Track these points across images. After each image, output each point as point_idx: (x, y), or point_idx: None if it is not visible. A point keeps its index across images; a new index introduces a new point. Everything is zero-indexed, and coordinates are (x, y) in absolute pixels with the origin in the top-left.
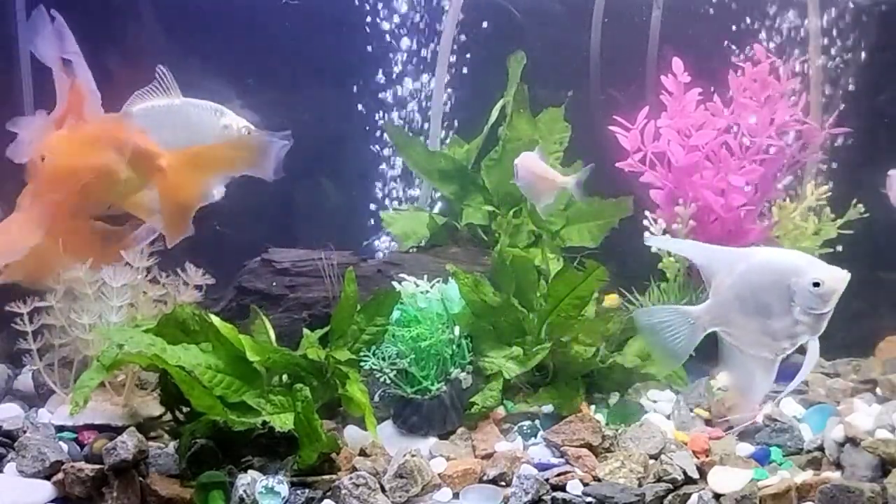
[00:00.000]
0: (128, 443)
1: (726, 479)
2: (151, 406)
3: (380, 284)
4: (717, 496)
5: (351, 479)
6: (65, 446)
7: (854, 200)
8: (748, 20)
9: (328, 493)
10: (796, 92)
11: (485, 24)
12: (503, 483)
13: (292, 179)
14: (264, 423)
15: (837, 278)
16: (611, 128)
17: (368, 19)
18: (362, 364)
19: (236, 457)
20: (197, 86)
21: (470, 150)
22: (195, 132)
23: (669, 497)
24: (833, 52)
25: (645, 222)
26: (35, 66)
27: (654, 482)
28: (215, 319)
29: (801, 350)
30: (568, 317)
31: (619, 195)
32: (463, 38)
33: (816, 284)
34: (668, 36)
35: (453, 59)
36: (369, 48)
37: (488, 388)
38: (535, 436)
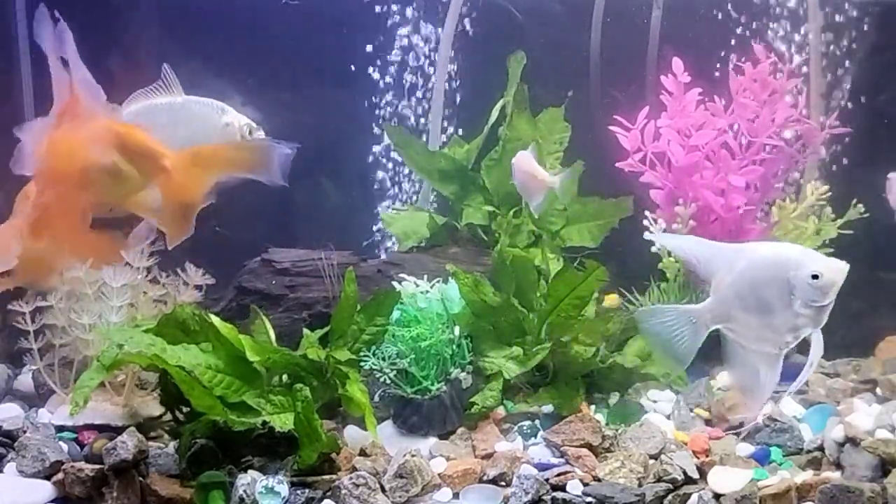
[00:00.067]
0: (128, 443)
1: (726, 479)
2: (151, 406)
3: (380, 284)
4: (717, 496)
5: (351, 479)
6: (65, 446)
7: (854, 200)
8: (748, 20)
9: (328, 493)
10: (797, 92)
11: (485, 25)
12: (503, 483)
13: (292, 179)
14: (264, 423)
15: (836, 270)
16: (611, 128)
17: (368, 19)
18: (362, 364)
19: (236, 457)
20: (198, 85)
21: (470, 150)
22: (196, 130)
23: (669, 497)
24: (833, 52)
25: (645, 222)
26: (35, 67)
27: (654, 482)
28: (215, 319)
29: (804, 348)
30: (568, 317)
31: (619, 195)
32: (463, 38)
33: (815, 277)
34: (668, 36)
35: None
36: (369, 48)
37: (488, 388)
38: (535, 436)
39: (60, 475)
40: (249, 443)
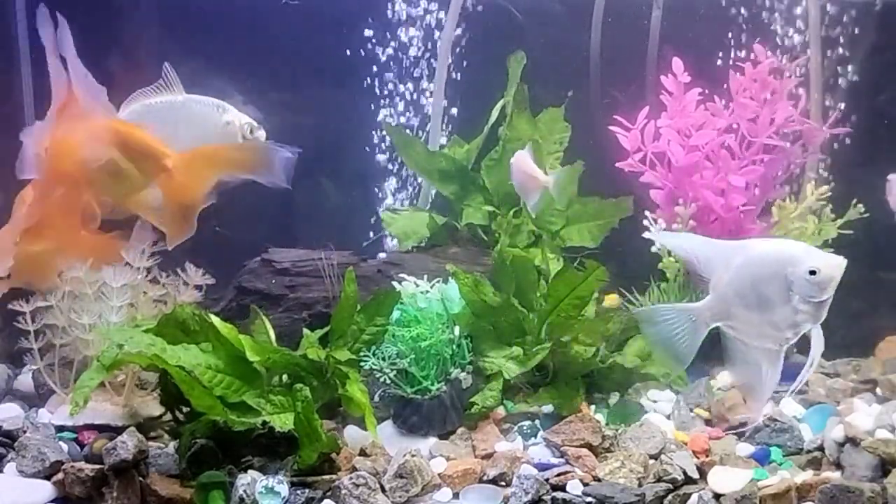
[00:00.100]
0: (128, 443)
1: (726, 479)
2: (151, 406)
3: (380, 284)
4: (717, 496)
5: (351, 479)
6: (65, 446)
7: (854, 200)
8: (748, 20)
9: (328, 493)
10: (796, 92)
11: (485, 25)
12: (503, 483)
13: (293, 179)
14: (264, 423)
15: (833, 265)
16: (611, 128)
17: (368, 19)
18: (362, 364)
19: (236, 457)
20: (199, 84)
21: (470, 150)
22: (197, 128)
23: (669, 497)
24: (833, 52)
25: (645, 222)
26: (35, 67)
27: (654, 482)
28: (215, 319)
29: (804, 348)
30: (568, 317)
31: (619, 195)
32: (463, 37)
33: (813, 273)
34: (668, 36)
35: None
36: (370, 48)
37: (488, 388)
38: (535, 436)
39: (60, 475)
40: (249, 443)
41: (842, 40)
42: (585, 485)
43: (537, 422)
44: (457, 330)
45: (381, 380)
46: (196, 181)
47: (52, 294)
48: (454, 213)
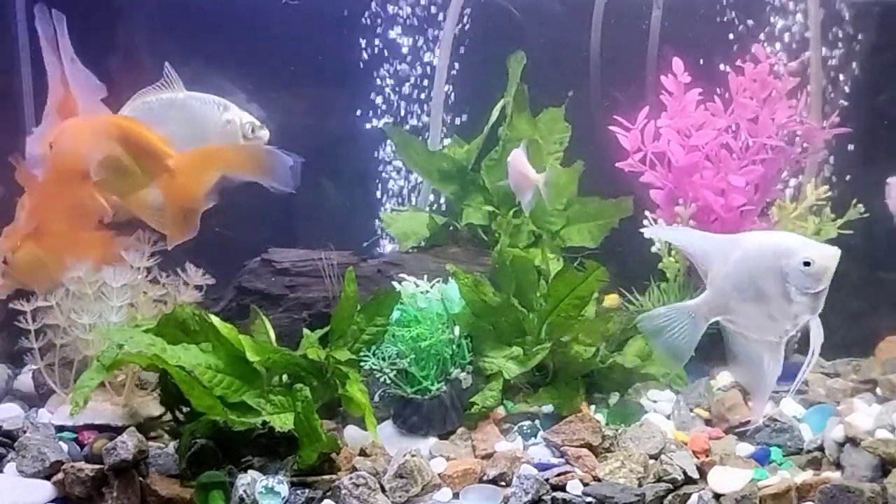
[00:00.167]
0: (128, 443)
1: (726, 479)
2: (151, 406)
3: (380, 284)
4: (717, 496)
5: (351, 479)
6: (65, 446)
7: (854, 200)
8: (748, 20)
9: (328, 493)
10: (796, 92)
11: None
12: (503, 483)
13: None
14: (264, 423)
15: (827, 256)
16: (611, 128)
17: (369, 19)
18: (362, 364)
19: (236, 457)
20: (200, 84)
21: (470, 150)
22: (197, 126)
23: (669, 497)
24: (833, 51)
25: (645, 222)
26: (35, 67)
27: (654, 482)
28: (215, 319)
29: (803, 348)
30: (568, 317)
31: (619, 195)
32: (463, 37)
33: (807, 264)
34: (668, 36)
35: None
36: (369, 48)
37: (488, 388)
38: (535, 436)
39: (60, 475)
40: (249, 443)
41: (841, 40)
42: (585, 485)
43: (537, 422)
44: (457, 330)
45: (381, 380)
46: (197, 182)
47: (53, 294)
48: (454, 213)
